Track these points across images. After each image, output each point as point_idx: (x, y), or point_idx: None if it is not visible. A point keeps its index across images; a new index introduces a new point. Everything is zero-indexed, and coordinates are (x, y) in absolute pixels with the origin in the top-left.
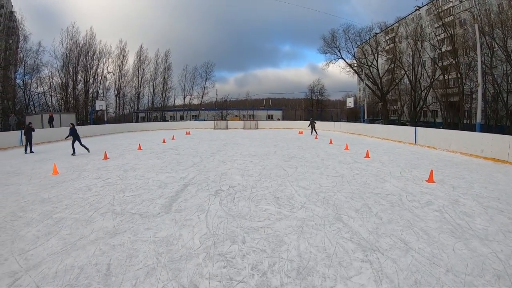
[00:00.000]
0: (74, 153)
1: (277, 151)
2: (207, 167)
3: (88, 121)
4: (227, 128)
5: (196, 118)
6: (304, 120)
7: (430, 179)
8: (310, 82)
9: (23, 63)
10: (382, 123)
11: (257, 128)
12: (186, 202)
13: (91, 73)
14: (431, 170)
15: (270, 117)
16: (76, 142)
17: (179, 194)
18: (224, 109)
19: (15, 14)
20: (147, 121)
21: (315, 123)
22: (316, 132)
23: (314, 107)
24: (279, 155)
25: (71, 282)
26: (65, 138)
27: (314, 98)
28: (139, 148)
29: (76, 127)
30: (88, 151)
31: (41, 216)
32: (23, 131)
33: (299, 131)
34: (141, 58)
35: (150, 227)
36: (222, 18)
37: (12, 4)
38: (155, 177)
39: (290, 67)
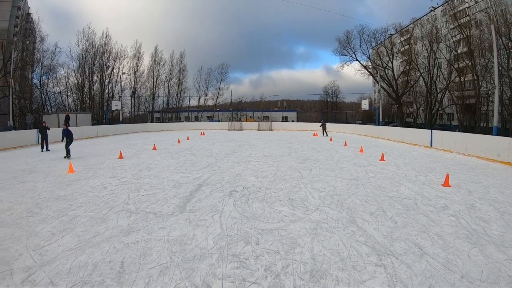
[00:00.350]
0: (68, 155)
1: (292, 153)
2: (222, 168)
3: (104, 120)
4: (242, 130)
5: (210, 119)
6: (319, 122)
7: (446, 183)
8: (325, 84)
9: (40, 63)
10: (397, 126)
11: (271, 130)
12: (200, 202)
13: (107, 73)
14: (447, 174)
15: (285, 119)
16: (67, 143)
17: (194, 194)
18: (238, 110)
19: (31, 15)
20: (162, 122)
21: (325, 124)
22: (327, 134)
23: (329, 109)
24: (293, 157)
25: (84, 279)
26: (61, 141)
27: (329, 100)
28: (154, 148)
29: (70, 128)
30: (68, 157)
31: (57, 213)
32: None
33: (314, 133)
34: (156, 59)
35: (164, 226)
36: (237, 19)
37: (29, 6)
38: (170, 177)
39: (305, 69)
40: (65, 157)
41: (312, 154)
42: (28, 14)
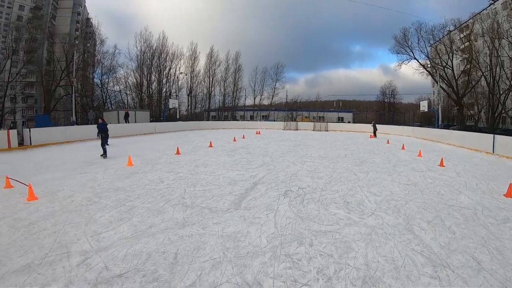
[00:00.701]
0: (105, 154)
1: (348, 154)
2: (277, 167)
3: (161, 118)
4: (297, 130)
5: (266, 118)
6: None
7: (509, 194)
8: (382, 84)
9: (100, 64)
10: (457, 129)
11: (327, 130)
12: (255, 200)
13: (164, 73)
14: (510, 184)
15: (340, 120)
16: (102, 139)
17: (249, 192)
18: (294, 110)
19: (91, 20)
20: (218, 120)
21: (376, 126)
22: (376, 136)
23: (385, 110)
24: (349, 158)
25: (138, 267)
26: (97, 135)
27: (386, 100)
28: (210, 146)
29: (106, 124)
30: (105, 157)
31: (115, 203)
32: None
33: (370, 135)
34: (212, 59)
35: (219, 221)
36: (293, 18)
37: (88, 11)
38: (225, 174)
39: (361, 68)
40: (102, 156)
41: (369, 156)
42: (88, 19)
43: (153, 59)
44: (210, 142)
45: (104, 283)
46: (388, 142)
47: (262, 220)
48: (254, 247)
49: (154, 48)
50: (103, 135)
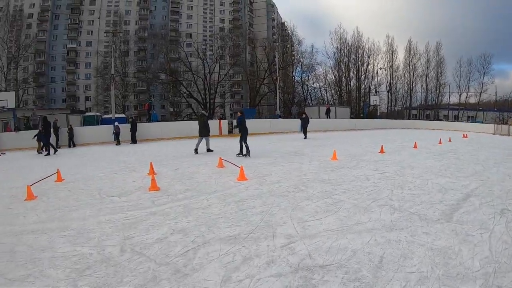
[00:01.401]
0: (241, 153)
1: None
2: (491, 179)
3: (361, 115)
4: (509, 135)
5: (472, 119)
6: None
7: None
8: None
9: (300, 63)
10: None
11: None
12: (468, 214)
13: (362, 69)
14: None
15: None
16: (241, 137)
17: (461, 204)
18: (505, 111)
19: (285, 24)
20: (419, 119)
21: None
22: None
23: None
24: None
25: (341, 262)
26: (234, 127)
27: None
28: (415, 147)
29: (245, 118)
30: (248, 155)
31: (321, 194)
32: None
33: None
34: (411, 52)
35: (428, 231)
36: None
37: (281, 17)
38: (434, 180)
39: None
40: (237, 154)
41: None
42: (282, 24)
43: (350, 55)
44: (415, 142)
45: (305, 270)
46: None
47: (475, 239)
48: (465, 269)
49: (350, 45)
50: (240, 128)
